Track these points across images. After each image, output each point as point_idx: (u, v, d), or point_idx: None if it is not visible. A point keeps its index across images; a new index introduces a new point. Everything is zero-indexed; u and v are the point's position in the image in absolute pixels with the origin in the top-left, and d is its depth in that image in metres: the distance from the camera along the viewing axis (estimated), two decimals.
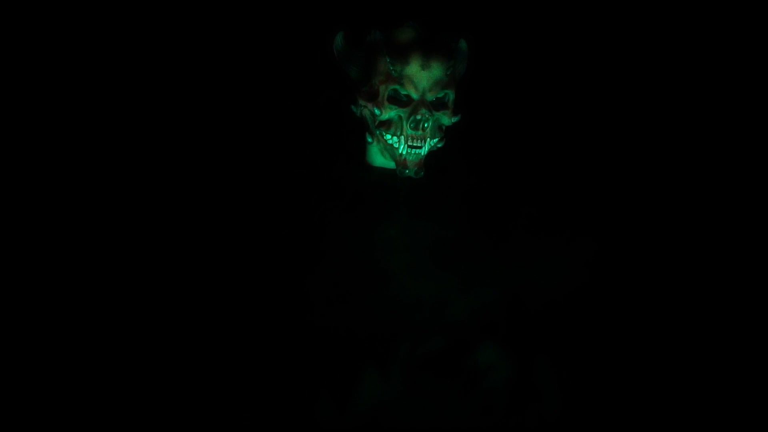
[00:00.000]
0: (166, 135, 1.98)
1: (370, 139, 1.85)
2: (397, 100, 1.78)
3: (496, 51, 1.97)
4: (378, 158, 1.89)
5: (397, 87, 1.77)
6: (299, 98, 2.00)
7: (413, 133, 1.77)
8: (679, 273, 1.99)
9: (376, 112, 1.78)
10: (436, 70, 1.76)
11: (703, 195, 2.05)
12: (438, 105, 1.79)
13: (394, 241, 1.88)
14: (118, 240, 1.91)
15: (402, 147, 1.79)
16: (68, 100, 1.96)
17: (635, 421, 1.89)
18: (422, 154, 1.80)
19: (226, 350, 1.84)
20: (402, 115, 1.77)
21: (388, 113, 1.78)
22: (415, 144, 1.78)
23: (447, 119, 1.81)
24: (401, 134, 1.79)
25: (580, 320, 1.91)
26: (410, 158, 1.79)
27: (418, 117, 1.75)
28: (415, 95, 1.76)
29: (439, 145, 1.84)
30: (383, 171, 1.90)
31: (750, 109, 2.07)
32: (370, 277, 1.86)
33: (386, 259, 1.87)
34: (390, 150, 1.82)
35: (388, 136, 1.80)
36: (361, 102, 1.82)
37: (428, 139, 1.79)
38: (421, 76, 1.75)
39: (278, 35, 2.03)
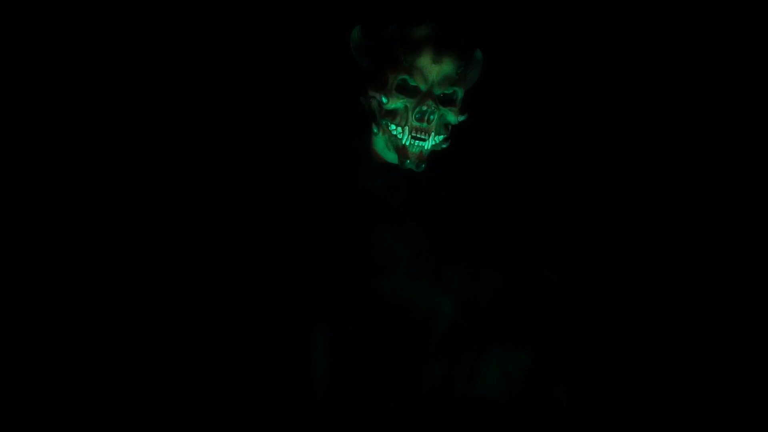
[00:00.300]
0: (169, 133, 1.98)
1: (375, 130, 1.85)
2: (405, 90, 1.78)
3: (499, 55, 1.97)
4: (383, 153, 1.89)
5: (406, 77, 1.77)
6: (306, 95, 2.00)
7: (418, 124, 1.77)
8: (679, 276, 2.00)
9: (383, 100, 1.79)
10: (447, 66, 1.76)
11: (702, 199, 2.07)
12: (445, 101, 1.79)
13: (393, 238, 1.88)
14: (120, 240, 1.90)
15: (405, 138, 1.79)
16: (77, 100, 1.96)
17: (635, 421, 1.91)
18: (425, 147, 1.80)
19: (222, 347, 1.84)
20: (408, 105, 1.78)
21: (395, 103, 1.78)
22: (418, 136, 1.78)
23: (453, 117, 1.81)
24: (406, 125, 1.79)
25: (580, 321, 1.92)
26: (412, 150, 1.79)
27: (424, 108, 1.75)
28: (423, 87, 1.77)
29: (443, 146, 1.84)
30: (387, 166, 1.90)
31: (750, 109, 2.08)
32: (367, 274, 1.86)
33: (385, 257, 1.87)
34: (394, 141, 1.81)
35: (393, 126, 1.80)
36: (371, 93, 1.82)
37: (433, 134, 1.79)
38: (431, 69, 1.76)
39: (289, 32, 2.03)
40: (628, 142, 2.07)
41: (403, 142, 1.80)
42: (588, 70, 2.08)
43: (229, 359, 1.84)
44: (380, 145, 1.88)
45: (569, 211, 1.99)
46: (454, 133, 1.84)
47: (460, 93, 1.80)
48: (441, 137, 1.82)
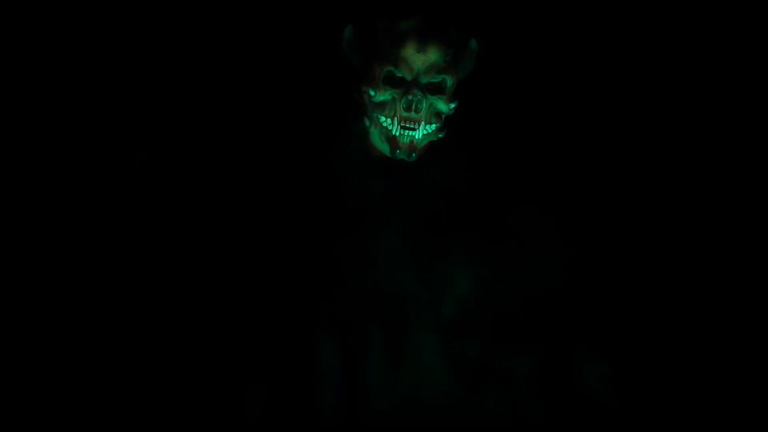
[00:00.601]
0: (165, 132, 2.00)
1: (367, 124, 1.86)
2: (392, 81, 1.79)
3: (496, 47, 1.97)
4: (379, 146, 1.89)
5: (392, 68, 1.78)
6: (301, 93, 2.02)
7: (406, 114, 1.78)
8: (677, 274, 2.00)
9: (371, 93, 1.80)
10: (433, 55, 1.77)
11: (701, 197, 2.06)
12: (434, 89, 1.79)
13: (391, 233, 1.87)
14: (119, 241, 1.92)
15: (395, 128, 1.80)
16: (71, 100, 1.99)
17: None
18: (416, 137, 1.80)
19: (221, 347, 1.84)
20: (396, 96, 1.78)
21: (383, 95, 1.80)
22: (408, 125, 1.79)
23: (443, 105, 1.81)
24: (395, 115, 1.79)
25: (579, 319, 1.91)
26: (402, 140, 1.80)
27: (410, 97, 1.75)
28: (408, 77, 1.77)
29: (439, 135, 1.84)
30: (385, 160, 1.89)
31: (750, 109, 2.07)
32: (365, 271, 1.86)
33: (382, 252, 1.86)
34: (384, 132, 1.82)
35: (383, 118, 1.81)
36: (363, 88, 1.83)
37: (423, 123, 1.79)
38: (415, 58, 1.77)
39: (283, 31, 2.06)
40: (627, 138, 2.07)
41: (393, 133, 1.80)
42: (586, 65, 2.08)
43: (228, 359, 1.84)
44: (375, 139, 1.89)
45: (567, 206, 1.98)
46: (448, 122, 1.84)
47: (449, 81, 1.80)
48: (433, 126, 1.82)
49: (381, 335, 1.83)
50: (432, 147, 1.87)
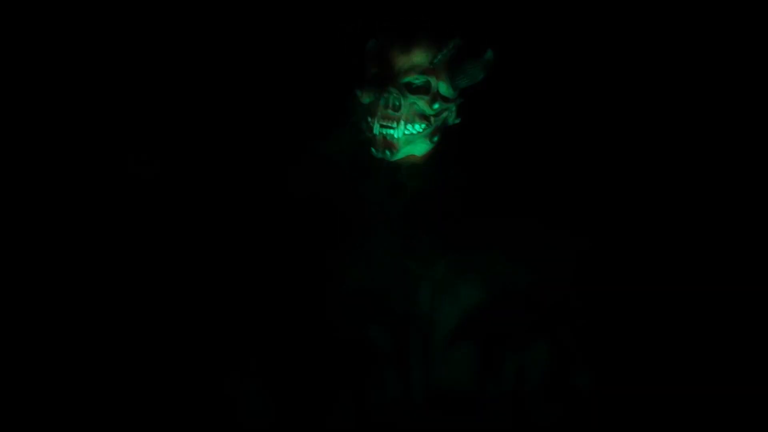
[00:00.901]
0: (166, 136, 2.05)
1: (364, 126, 1.87)
2: (376, 81, 1.82)
3: (500, 54, 1.98)
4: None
5: (377, 70, 1.82)
6: (304, 97, 2.04)
7: (384, 112, 1.79)
8: (678, 273, 1.99)
9: (358, 94, 1.83)
10: (417, 57, 1.80)
11: (702, 198, 2.05)
12: (415, 90, 1.81)
13: (392, 237, 1.89)
14: (115, 244, 1.96)
15: (375, 127, 1.82)
16: (70, 100, 2.04)
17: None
18: (395, 136, 1.81)
19: (220, 351, 1.86)
20: (378, 96, 1.81)
21: (368, 96, 1.83)
22: (386, 124, 1.80)
23: (425, 105, 1.82)
24: (377, 115, 1.81)
25: (578, 319, 1.91)
26: (379, 138, 1.82)
27: (386, 95, 1.78)
28: (388, 75, 1.80)
29: (434, 139, 1.85)
30: (380, 163, 1.90)
31: (750, 109, 2.06)
32: (366, 274, 1.88)
33: (384, 256, 1.88)
34: (369, 132, 1.84)
35: (369, 118, 1.83)
36: (356, 91, 1.87)
37: (402, 122, 1.81)
38: (398, 59, 1.80)
39: (288, 36, 2.08)
40: (628, 140, 2.06)
41: (374, 132, 1.82)
42: (588, 69, 2.08)
43: (227, 362, 1.86)
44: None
45: (569, 209, 1.98)
46: (438, 125, 1.85)
47: (433, 83, 1.82)
48: (417, 127, 1.83)
49: (378, 335, 1.85)
50: (436, 151, 1.89)
